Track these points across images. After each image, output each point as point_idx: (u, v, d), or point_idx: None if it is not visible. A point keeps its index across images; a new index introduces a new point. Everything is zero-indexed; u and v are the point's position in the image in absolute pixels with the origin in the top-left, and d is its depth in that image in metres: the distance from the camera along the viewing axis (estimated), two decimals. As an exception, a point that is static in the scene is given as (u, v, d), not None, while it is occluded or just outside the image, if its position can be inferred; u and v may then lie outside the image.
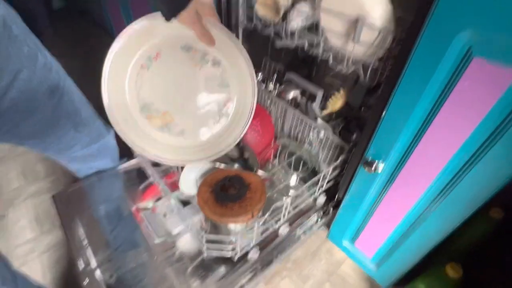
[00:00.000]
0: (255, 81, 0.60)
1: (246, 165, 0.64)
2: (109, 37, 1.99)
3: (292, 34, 0.69)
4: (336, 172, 0.75)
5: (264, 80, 0.95)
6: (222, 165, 0.68)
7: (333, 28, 0.59)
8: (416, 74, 0.46)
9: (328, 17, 0.59)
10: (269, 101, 0.91)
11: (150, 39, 0.57)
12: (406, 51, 0.45)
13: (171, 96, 0.61)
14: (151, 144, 0.63)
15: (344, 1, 0.54)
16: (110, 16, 1.80)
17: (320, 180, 0.72)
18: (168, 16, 0.52)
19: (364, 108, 0.88)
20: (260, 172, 0.70)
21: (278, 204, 0.63)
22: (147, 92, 0.60)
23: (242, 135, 0.64)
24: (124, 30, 0.54)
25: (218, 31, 0.56)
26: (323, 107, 0.85)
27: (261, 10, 0.74)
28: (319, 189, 0.75)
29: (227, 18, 0.80)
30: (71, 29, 2.13)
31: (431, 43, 0.42)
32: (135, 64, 0.58)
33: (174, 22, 0.53)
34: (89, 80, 0.78)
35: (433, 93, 0.46)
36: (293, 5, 0.68)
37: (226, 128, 0.65)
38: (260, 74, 0.97)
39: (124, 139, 0.61)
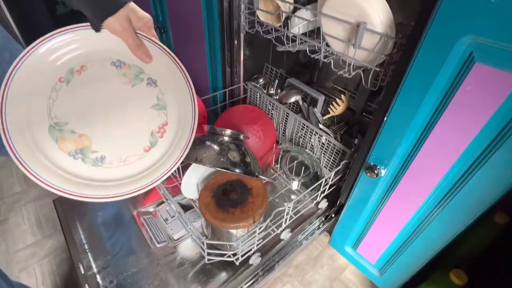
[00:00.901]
0: (196, 104, 0.55)
1: (248, 169, 0.64)
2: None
3: (294, 39, 0.70)
4: (338, 177, 0.75)
5: (266, 85, 0.96)
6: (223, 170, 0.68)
7: (334, 34, 0.59)
8: (418, 80, 0.46)
9: (329, 23, 0.59)
10: (270, 106, 0.92)
11: (74, 49, 0.50)
12: (407, 56, 0.46)
13: (93, 116, 0.52)
14: (52, 174, 0.49)
15: (345, 6, 0.55)
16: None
17: (322, 185, 0.72)
18: (97, 24, 0.47)
19: (365, 113, 0.89)
20: (262, 177, 0.69)
21: (279, 209, 0.63)
22: (62, 110, 0.50)
23: (179, 162, 0.56)
24: (46, 37, 0.47)
25: (157, 48, 0.52)
26: (324, 112, 0.85)
27: (263, 16, 0.75)
28: (321, 194, 0.75)
29: (229, 24, 0.81)
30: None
31: (433, 48, 0.42)
32: (51, 76, 0.49)
33: (105, 32, 0.48)
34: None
35: (434, 98, 0.46)
36: (294, 11, 0.69)
37: (160, 156, 0.57)
38: (261, 79, 0.98)
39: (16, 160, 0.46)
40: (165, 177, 0.56)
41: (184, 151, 0.57)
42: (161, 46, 0.52)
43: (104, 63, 0.52)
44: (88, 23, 0.48)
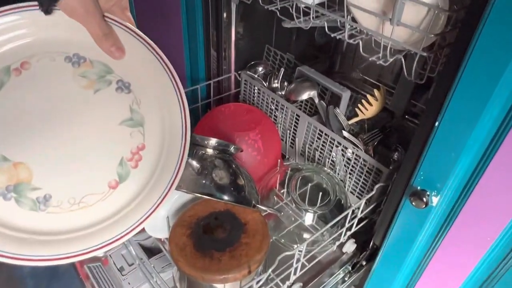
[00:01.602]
0: (187, 117, 0.54)
1: (241, 196, 0.64)
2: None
3: (307, 12, 0.71)
4: (371, 207, 0.75)
5: (267, 76, 0.97)
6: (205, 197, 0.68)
7: (363, 4, 0.60)
8: (482, 67, 0.46)
9: (357, -11, 0.61)
10: (273, 106, 0.92)
11: (13, 39, 0.49)
12: (467, 36, 0.46)
13: (34, 137, 0.50)
14: None
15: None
16: None
17: (348, 219, 0.71)
18: (47, 2, 0.46)
19: (409, 116, 0.90)
20: (261, 207, 0.69)
21: (286, 253, 0.62)
22: None
23: (164, 200, 0.55)
24: None
25: (132, 37, 0.51)
26: (351, 114, 0.86)
27: (263, -21, 0.76)
28: (346, 232, 0.74)
29: (215, -11, 0.83)
30: None
31: (504, 22, 0.43)
32: None
33: (58, 14, 0.47)
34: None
35: (508, 92, 0.46)
36: (307, -28, 0.70)
37: (132, 195, 0.55)
38: (261, 67, 0.99)
39: None
40: (140, 227, 0.54)
41: (170, 187, 0.55)
42: (138, 35, 0.52)
43: (56, 58, 0.51)
44: (35, 2, 0.47)
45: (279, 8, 0.75)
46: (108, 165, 0.54)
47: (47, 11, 0.47)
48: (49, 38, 0.50)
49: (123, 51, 0.52)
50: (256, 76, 0.97)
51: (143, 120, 0.55)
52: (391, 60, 0.62)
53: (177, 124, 0.55)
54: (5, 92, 0.49)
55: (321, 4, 0.70)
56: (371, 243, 0.77)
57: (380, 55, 0.63)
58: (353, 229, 0.76)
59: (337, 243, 0.77)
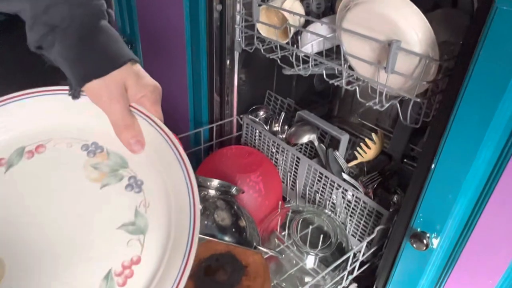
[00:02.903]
0: (196, 236, 0.44)
1: (242, 238, 0.64)
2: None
3: (306, 60, 0.75)
4: (372, 250, 0.74)
5: (268, 120, 0.99)
6: (207, 238, 0.67)
7: (359, 54, 0.64)
8: (473, 112, 0.49)
9: (352, 40, 0.65)
10: (274, 149, 0.94)
11: (36, 121, 0.48)
12: (456, 83, 0.49)
13: (18, 230, 0.44)
14: None
15: (371, 20, 0.60)
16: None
17: (350, 263, 0.71)
18: (76, 87, 0.45)
19: (407, 159, 0.91)
20: (263, 249, 0.69)
21: (288, 297, 0.61)
22: None
23: None
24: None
25: (156, 132, 0.47)
26: (350, 157, 0.87)
27: (265, 30, 0.81)
28: (348, 276, 0.73)
29: (219, 39, 0.87)
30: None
31: (490, 69, 0.46)
32: None
33: (84, 100, 0.46)
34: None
35: (500, 133, 0.48)
36: (306, 24, 0.75)
37: None
38: (262, 111, 1.02)
39: None
40: None
41: None
42: (163, 130, 0.47)
43: (73, 144, 0.48)
44: (65, 87, 0.46)
45: (279, 57, 0.79)
46: (91, 276, 0.44)
47: (75, 94, 0.46)
48: (72, 124, 0.48)
49: (142, 145, 0.47)
50: (257, 120, 0.99)
51: (147, 227, 0.46)
52: (387, 105, 0.65)
53: (182, 239, 0.44)
54: (10, 176, 0.46)
55: (319, 53, 0.73)
56: (374, 286, 0.76)
57: (377, 100, 0.66)
58: (355, 273, 0.75)
59: (340, 287, 0.75)
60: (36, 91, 0.47)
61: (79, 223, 0.45)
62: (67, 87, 0.46)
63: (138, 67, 0.47)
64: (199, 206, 0.45)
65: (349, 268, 0.72)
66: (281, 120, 0.97)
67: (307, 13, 0.78)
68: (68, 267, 0.44)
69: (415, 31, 0.56)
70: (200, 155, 0.99)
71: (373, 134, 0.83)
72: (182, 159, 0.46)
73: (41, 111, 0.48)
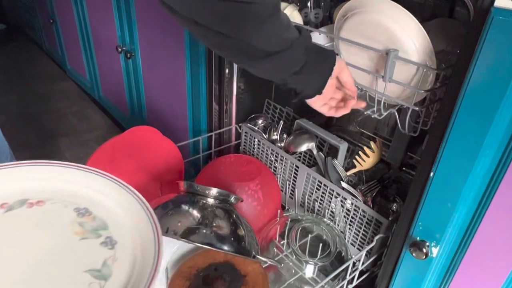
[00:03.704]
0: (154, 282, 0.50)
1: (241, 247, 0.64)
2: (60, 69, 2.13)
3: (304, 69, 0.75)
4: (372, 259, 0.74)
5: (267, 128, 1.00)
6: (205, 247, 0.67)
7: (357, 63, 0.65)
8: (472, 120, 0.49)
9: (350, 49, 0.65)
10: (273, 157, 0.94)
11: (40, 179, 0.58)
12: (454, 91, 0.50)
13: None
14: None
15: (369, 30, 0.61)
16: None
17: (349, 272, 0.71)
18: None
19: (405, 168, 0.91)
20: (262, 258, 0.68)
21: (287, 307, 0.61)
22: None
23: None
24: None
25: (134, 202, 0.56)
26: (349, 165, 0.88)
27: (263, 39, 0.82)
28: (347, 285, 0.73)
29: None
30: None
31: (487, 78, 0.46)
32: None
33: (84, 175, 0.58)
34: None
35: (498, 140, 0.48)
36: (304, 33, 0.76)
37: None
38: (261, 120, 1.02)
39: None
40: None
41: None
42: (138, 197, 0.57)
43: (68, 206, 0.57)
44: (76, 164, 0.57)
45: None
46: None
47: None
48: (71, 191, 0.58)
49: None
50: (256, 128, 0.99)
51: (110, 276, 0.51)
52: (385, 114, 0.65)
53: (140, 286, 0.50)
54: (6, 218, 0.53)
55: (318, 62, 0.74)
56: (374, 297, 0.76)
57: (375, 109, 0.66)
58: (355, 282, 0.74)
59: (339, 296, 0.75)
60: (57, 163, 0.59)
61: (51, 260, 0.51)
62: (76, 164, 0.58)
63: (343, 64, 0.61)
64: (160, 262, 0.51)
65: (348, 277, 0.71)
66: (280, 129, 0.97)
67: (306, 22, 0.79)
68: None
69: (413, 40, 0.57)
70: (199, 164, 0.99)
71: (372, 143, 0.83)
72: (154, 222, 0.54)
73: (54, 177, 0.58)
